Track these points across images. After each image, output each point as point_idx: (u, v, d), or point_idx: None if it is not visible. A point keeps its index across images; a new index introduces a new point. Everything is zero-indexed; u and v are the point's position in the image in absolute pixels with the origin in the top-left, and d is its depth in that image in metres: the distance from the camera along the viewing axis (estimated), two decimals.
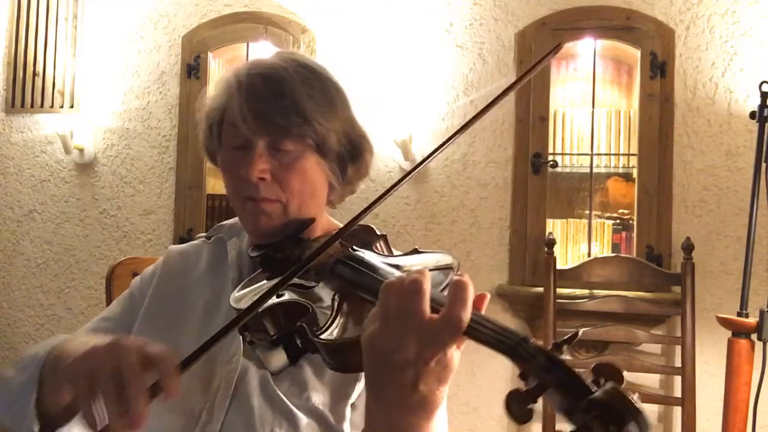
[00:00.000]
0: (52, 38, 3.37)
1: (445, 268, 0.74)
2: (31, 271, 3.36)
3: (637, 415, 0.49)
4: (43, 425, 0.82)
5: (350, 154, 0.96)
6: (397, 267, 0.76)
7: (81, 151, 3.24)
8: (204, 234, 1.11)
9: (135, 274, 1.41)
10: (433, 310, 0.60)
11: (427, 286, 0.60)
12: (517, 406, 0.54)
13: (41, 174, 3.36)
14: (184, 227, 3.16)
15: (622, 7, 2.79)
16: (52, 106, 3.35)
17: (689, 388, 2.39)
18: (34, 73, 3.37)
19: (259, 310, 0.70)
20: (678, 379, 2.47)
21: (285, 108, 0.87)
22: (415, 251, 0.82)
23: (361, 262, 0.76)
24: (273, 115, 0.87)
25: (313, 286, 0.77)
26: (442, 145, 0.74)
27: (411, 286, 0.60)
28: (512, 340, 0.58)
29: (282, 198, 0.91)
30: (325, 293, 0.75)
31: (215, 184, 3.32)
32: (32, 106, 3.37)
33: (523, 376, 0.56)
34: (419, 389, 0.60)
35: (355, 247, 0.82)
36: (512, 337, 0.58)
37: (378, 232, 0.88)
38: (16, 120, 3.39)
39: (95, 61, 3.30)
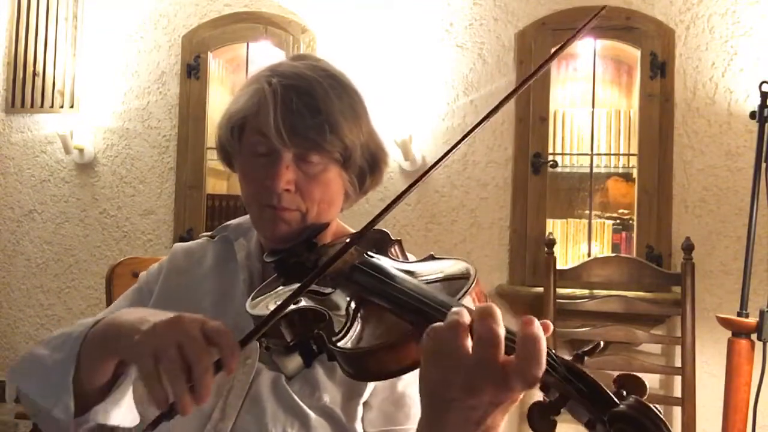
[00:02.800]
0: (52, 38, 3.37)
1: (462, 278, 0.72)
2: (31, 271, 3.36)
3: (661, 430, 0.49)
4: (78, 405, 0.82)
5: (370, 166, 0.97)
6: (413, 274, 0.75)
7: (81, 151, 3.24)
8: (208, 233, 1.10)
9: (135, 274, 1.42)
10: (507, 349, 0.57)
11: (501, 332, 0.56)
12: (540, 418, 0.54)
13: (41, 174, 3.36)
14: (184, 227, 3.16)
15: (622, 7, 2.79)
16: (52, 106, 3.35)
17: (689, 388, 2.39)
18: (34, 73, 3.37)
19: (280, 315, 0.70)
20: (678, 379, 2.47)
21: (320, 124, 0.88)
22: (431, 257, 0.82)
23: (378, 268, 0.75)
24: (307, 130, 0.88)
25: (330, 293, 0.76)
26: (472, 131, 0.73)
27: (485, 331, 0.56)
28: None
29: (302, 207, 0.92)
30: (342, 300, 0.74)
31: (215, 184, 3.33)
32: (32, 106, 3.37)
33: (544, 387, 0.56)
34: (485, 424, 0.59)
35: (370, 253, 0.82)
36: None
37: (392, 237, 0.88)
38: (16, 120, 3.39)
39: (95, 61, 3.30)
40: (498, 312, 0.58)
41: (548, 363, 0.55)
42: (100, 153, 3.28)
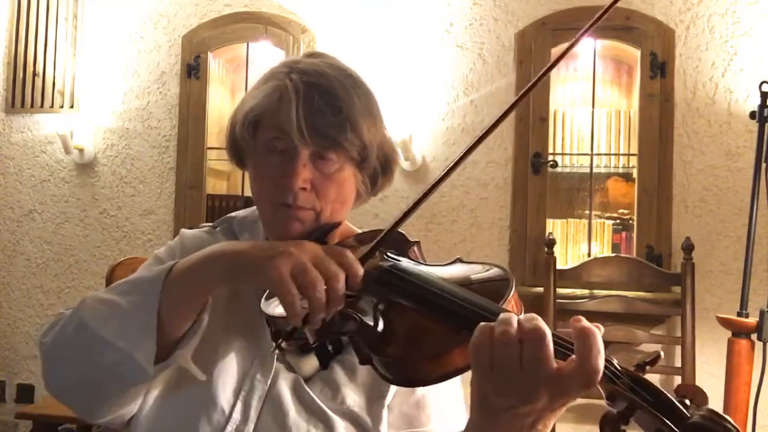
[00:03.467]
0: (52, 38, 3.36)
1: (498, 281, 0.72)
2: (31, 271, 3.35)
3: None
4: (159, 348, 0.79)
5: (383, 167, 0.97)
6: (446, 277, 0.74)
7: (81, 151, 3.24)
8: (210, 224, 1.09)
9: None
10: (558, 353, 0.57)
11: (547, 330, 0.57)
12: (611, 427, 0.54)
13: (41, 174, 3.36)
14: (183, 227, 3.15)
15: (622, 7, 2.79)
16: (52, 106, 3.35)
17: None
18: (34, 73, 3.37)
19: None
20: (678, 379, 2.47)
21: (341, 123, 0.88)
22: (459, 260, 0.81)
23: (408, 272, 0.75)
24: (328, 128, 0.88)
25: (357, 296, 0.75)
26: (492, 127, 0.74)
27: (532, 334, 0.57)
28: None
29: (317, 207, 0.91)
30: (369, 303, 0.73)
31: (215, 184, 3.33)
32: (32, 106, 3.37)
33: (610, 397, 0.56)
34: (536, 428, 0.61)
35: (392, 255, 0.81)
36: None
37: (410, 239, 0.87)
38: (16, 120, 3.39)
39: (95, 61, 3.30)
40: (546, 329, 0.58)
41: (611, 372, 0.55)
42: (100, 153, 3.28)
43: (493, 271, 0.74)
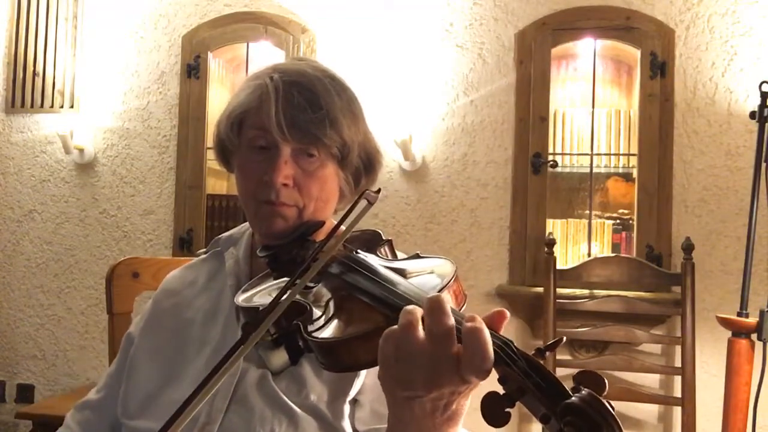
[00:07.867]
0: (52, 38, 3.36)
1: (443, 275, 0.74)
2: (31, 271, 3.35)
3: (611, 424, 0.49)
4: None
5: (365, 166, 0.99)
6: (397, 271, 0.76)
7: (81, 151, 3.24)
8: (203, 250, 1.12)
9: (135, 274, 1.42)
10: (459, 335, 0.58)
11: (452, 323, 0.58)
12: (494, 408, 0.54)
13: (41, 174, 3.36)
14: (184, 227, 3.16)
15: (622, 7, 2.79)
16: (52, 106, 3.34)
17: (689, 388, 2.39)
18: (34, 73, 3.37)
19: (262, 311, 0.71)
20: (678, 379, 2.47)
21: (320, 119, 0.90)
22: (417, 256, 0.83)
23: (361, 264, 0.77)
24: (307, 124, 0.89)
25: (314, 287, 0.78)
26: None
27: (437, 329, 0.58)
28: (495, 344, 0.57)
29: (299, 203, 0.93)
30: (324, 294, 0.76)
31: (215, 184, 3.32)
32: (32, 106, 3.37)
33: (502, 380, 0.56)
34: (450, 410, 0.62)
35: (358, 251, 0.83)
36: (495, 340, 0.58)
37: (384, 237, 0.90)
38: (16, 120, 3.39)
39: (95, 61, 3.30)
40: (445, 302, 0.59)
41: (508, 356, 0.56)
42: (100, 153, 3.28)
43: (441, 265, 0.76)
